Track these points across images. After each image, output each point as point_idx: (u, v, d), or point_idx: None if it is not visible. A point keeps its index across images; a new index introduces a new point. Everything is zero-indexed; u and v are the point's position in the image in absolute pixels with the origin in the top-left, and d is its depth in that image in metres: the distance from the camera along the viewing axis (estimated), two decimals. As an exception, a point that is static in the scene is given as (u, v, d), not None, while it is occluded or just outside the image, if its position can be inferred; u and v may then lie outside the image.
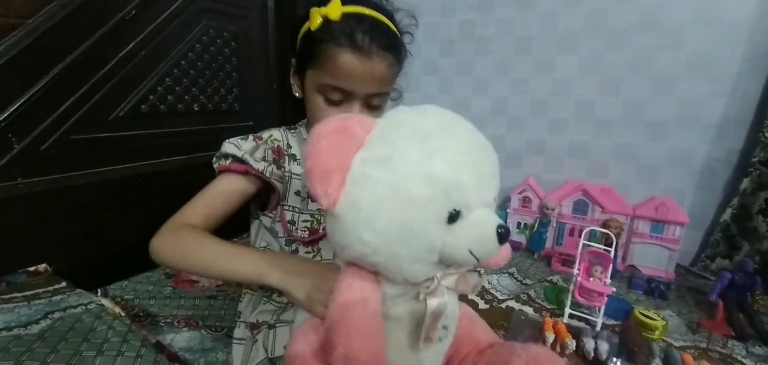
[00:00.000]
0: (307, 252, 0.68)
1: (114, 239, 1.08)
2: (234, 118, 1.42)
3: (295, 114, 0.76)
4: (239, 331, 0.72)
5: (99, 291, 0.96)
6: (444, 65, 1.61)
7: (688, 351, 0.85)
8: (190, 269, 0.64)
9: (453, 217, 0.38)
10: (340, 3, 0.58)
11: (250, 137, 0.68)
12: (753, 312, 0.94)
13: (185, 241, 0.60)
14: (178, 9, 1.19)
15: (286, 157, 0.68)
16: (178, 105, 1.22)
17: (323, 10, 0.59)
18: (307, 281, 0.51)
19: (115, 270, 1.05)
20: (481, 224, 0.39)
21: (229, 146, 0.66)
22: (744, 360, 0.84)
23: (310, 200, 0.67)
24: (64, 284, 0.84)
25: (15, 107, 0.88)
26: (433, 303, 0.41)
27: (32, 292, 0.78)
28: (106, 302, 0.80)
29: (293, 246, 0.69)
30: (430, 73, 1.65)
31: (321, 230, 0.67)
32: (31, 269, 0.89)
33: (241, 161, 0.64)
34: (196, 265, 0.61)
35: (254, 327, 0.69)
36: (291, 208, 0.68)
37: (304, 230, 0.67)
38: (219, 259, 0.58)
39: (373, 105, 0.63)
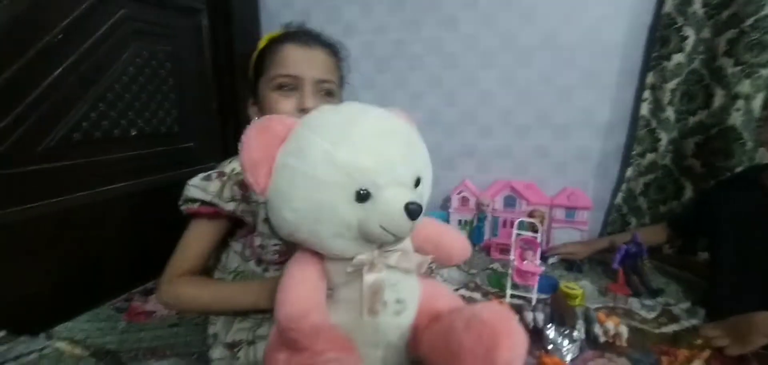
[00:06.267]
0: (277, 270, 0.71)
1: (52, 279, 0.99)
2: (174, 140, 1.37)
3: (235, 133, 0.80)
4: (217, 351, 0.73)
5: (42, 335, 0.87)
6: (381, 80, 1.72)
7: (601, 310, 1.03)
8: (208, 313, 0.76)
9: (362, 196, 0.44)
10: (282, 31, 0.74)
11: (214, 175, 0.69)
12: (643, 273, 1.18)
13: (188, 292, 0.68)
14: (107, 32, 1.13)
15: None
16: (113, 130, 1.15)
17: (268, 35, 0.74)
18: None
19: (54, 311, 0.96)
20: (389, 201, 0.44)
21: (194, 190, 0.68)
22: (640, 312, 1.06)
23: None
24: (3, 333, 0.77)
25: (-72, 144, 0.79)
26: (369, 278, 0.47)
27: (-31, 346, 0.71)
28: (62, 345, 0.75)
29: (262, 266, 0.72)
30: (368, 88, 1.74)
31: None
32: (-42, 322, 0.79)
33: (210, 204, 0.67)
34: (209, 309, 0.72)
35: (233, 346, 0.71)
36: (260, 235, 0.70)
37: (275, 254, 0.70)
38: (225, 301, 0.67)
39: (326, 91, 0.73)
